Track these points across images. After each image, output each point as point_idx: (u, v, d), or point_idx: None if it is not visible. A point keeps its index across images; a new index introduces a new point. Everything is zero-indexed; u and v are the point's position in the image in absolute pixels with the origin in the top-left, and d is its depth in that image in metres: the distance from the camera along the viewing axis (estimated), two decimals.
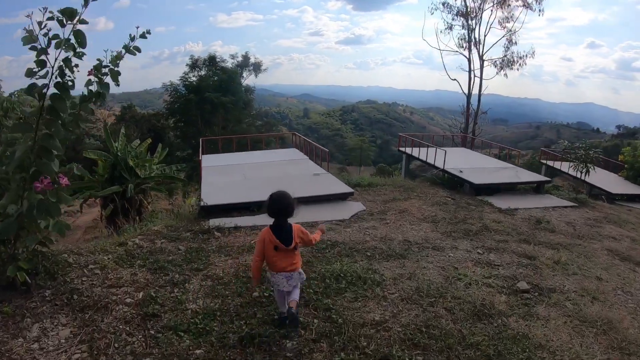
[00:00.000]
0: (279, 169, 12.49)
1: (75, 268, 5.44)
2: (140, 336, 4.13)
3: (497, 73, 28.26)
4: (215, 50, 47.95)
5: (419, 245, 7.28)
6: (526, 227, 8.93)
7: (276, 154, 16.28)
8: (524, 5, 26.97)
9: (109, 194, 21.80)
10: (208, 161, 14.36)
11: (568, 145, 15.45)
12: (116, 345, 3.95)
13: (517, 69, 27.94)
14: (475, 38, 27.45)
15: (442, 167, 13.70)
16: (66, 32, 4.04)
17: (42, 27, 3.94)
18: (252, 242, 6.93)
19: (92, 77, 4.48)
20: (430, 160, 15.01)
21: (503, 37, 27.88)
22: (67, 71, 4.15)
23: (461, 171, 13.28)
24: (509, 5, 27.31)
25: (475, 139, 25.25)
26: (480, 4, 27.13)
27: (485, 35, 27.78)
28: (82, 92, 4.54)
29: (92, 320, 4.29)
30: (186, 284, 5.24)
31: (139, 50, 4.83)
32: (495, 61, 27.81)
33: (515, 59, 27.56)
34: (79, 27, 4.11)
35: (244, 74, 47.91)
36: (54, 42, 4.01)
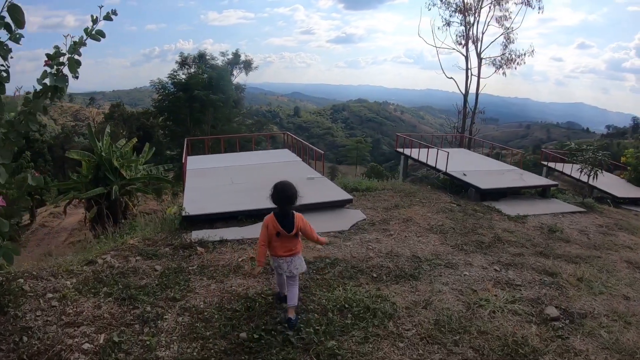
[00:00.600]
0: (269, 171, 11.55)
1: (30, 298, 4.59)
2: None
3: (495, 71, 27.54)
4: (206, 48, 47.14)
5: (430, 262, 6.44)
6: (540, 238, 8.35)
7: (267, 155, 15.36)
8: (523, 3, 26.30)
9: (93, 196, 21.05)
10: (193, 163, 13.44)
11: (575, 147, 14.72)
12: None
13: (515, 68, 27.36)
14: (473, 35, 26.73)
15: (444, 170, 12.88)
16: None
17: None
18: (240, 259, 6.12)
19: (47, 69, 3.69)
20: (431, 163, 14.17)
21: (501, 35, 27.13)
22: None
23: (465, 174, 12.49)
24: (507, 1, 26.66)
25: (472, 139, 24.47)
26: (479, 1, 26.44)
27: (483, 33, 27.05)
28: (35, 87, 3.73)
29: None
30: (159, 321, 4.32)
31: (102, 35, 3.93)
32: (494, 59, 27.09)
33: (514, 57, 26.93)
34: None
35: (235, 72, 46.87)
36: None
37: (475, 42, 26.72)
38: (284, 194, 4.44)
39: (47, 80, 3.65)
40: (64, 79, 3.74)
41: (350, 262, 6.18)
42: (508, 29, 27.01)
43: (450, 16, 27.04)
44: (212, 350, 3.85)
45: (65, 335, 3.94)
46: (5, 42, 3.26)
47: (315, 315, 4.53)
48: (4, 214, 3.51)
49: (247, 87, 50.86)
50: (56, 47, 3.68)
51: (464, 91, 27.10)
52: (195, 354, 3.79)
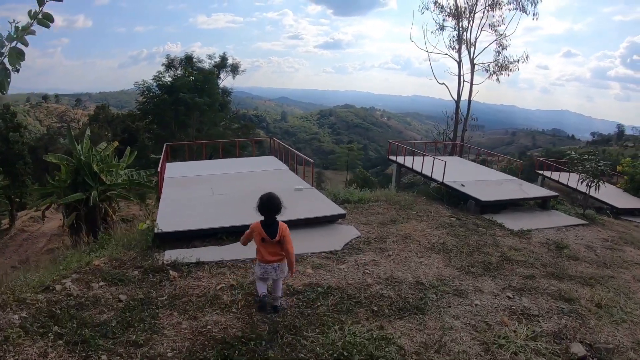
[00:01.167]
0: (254, 181, 10.69)
1: None
2: None
3: (488, 77, 26.71)
4: (194, 51, 45.90)
5: (436, 289, 5.71)
6: (548, 256, 7.82)
7: (252, 162, 14.47)
8: (517, 9, 25.71)
9: (72, 202, 20.11)
10: (172, 171, 12.57)
11: (576, 156, 14.06)
12: None
13: (508, 75, 26.77)
14: (467, 40, 26.02)
15: (441, 181, 12.13)
16: None
17: None
18: (218, 287, 5.36)
19: None
20: (427, 172, 13.41)
21: (494, 41, 26.41)
22: None
23: (463, 185, 11.78)
24: (501, 7, 26.07)
25: (463, 146, 23.79)
26: (473, 6, 25.80)
27: (476, 39, 26.31)
28: None
29: None
30: None
31: (50, 19, 3.09)
32: (488, 65, 26.43)
33: (508, 64, 26.29)
34: None
35: (222, 75, 45.83)
36: None
37: (468, 48, 26.08)
38: (270, 205, 4.79)
39: None
40: (4, 71, 2.95)
41: (345, 290, 5.40)
42: (501, 35, 26.45)
43: (444, 20, 26.44)
44: None
45: None
46: None
47: None
48: None
49: (234, 91, 49.73)
50: None
51: (455, 97, 26.44)
52: None
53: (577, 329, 4.92)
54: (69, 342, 3.90)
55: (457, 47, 26.31)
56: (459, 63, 26.28)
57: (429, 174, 13.05)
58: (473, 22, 26.14)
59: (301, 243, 6.96)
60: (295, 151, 13.43)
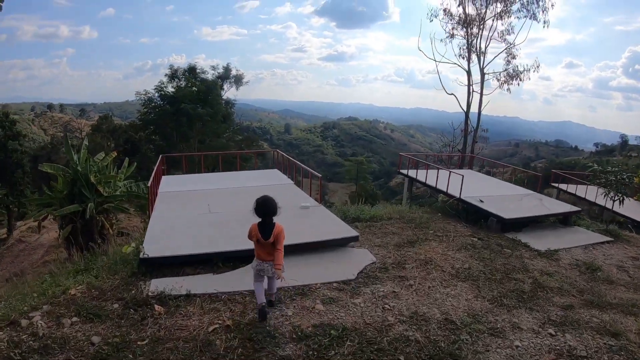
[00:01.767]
0: (256, 197, 9.29)
1: None
2: None
3: (499, 87, 25.83)
4: (197, 63, 44.95)
5: (469, 327, 4.88)
6: (581, 279, 7.19)
7: (254, 176, 13.49)
8: (527, 17, 24.88)
9: (68, 213, 19.36)
10: (167, 185, 11.67)
11: (599, 169, 13.17)
12: None
13: (518, 84, 25.89)
14: (477, 49, 25.21)
15: (458, 196, 11.22)
16: None
17: None
18: (210, 329, 4.52)
19: None
20: (442, 187, 12.44)
21: (504, 49, 25.49)
22: None
23: (482, 201, 10.88)
24: (510, 16, 25.26)
25: (474, 158, 22.79)
26: (483, 13, 24.96)
27: (486, 47, 25.38)
28: None
29: None
30: None
31: None
32: (499, 74, 25.55)
33: (519, 73, 25.39)
34: None
35: (225, 87, 45.08)
36: None
37: (478, 56, 25.22)
38: (265, 208, 4.99)
39: None
40: None
41: (364, 333, 4.52)
42: (511, 44, 25.59)
43: (453, 28, 25.58)
44: None
45: None
46: None
47: None
48: None
49: (238, 103, 48.98)
50: None
51: (465, 108, 25.53)
52: None
53: None
54: None
55: (466, 56, 25.47)
56: (468, 73, 25.41)
57: (444, 189, 12.10)
58: (482, 30, 25.36)
59: (309, 271, 6.11)
60: (301, 164, 12.41)
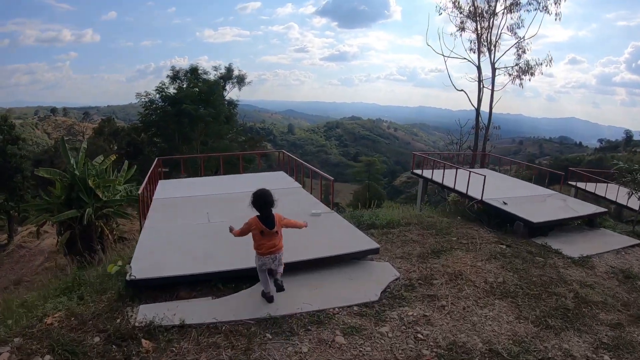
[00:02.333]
0: None
1: None
2: None
3: (511, 82, 24.86)
4: (200, 64, 43.98)
5: (517, 359, 4.09)
6: (622, 290, 6.56)
7: (258, 179, 12.18)
8: (538, 9, 23.92)
9: (66, 219, 18.67)
10: (163, 190, 10.80)
11: (625, 167, 12.31)
12: None
13: (529, 79, 24.95)
14: (488, 42, 24.25)
15: (480, 198, 10.38)
16: None
17: None
18: None
19: None
20: (461, 188, 11.54)
21: (515, 44, 24.37)
22: None
23: (505, 203, 10.05)
24: (520, 9, 24.28)
25: (490, 157, 21.82)
26: (493, 6, 23.96)
27: (496, 41, 24.43)
28: None
29: None
30: None
31: None
32: (512, 68, 24.45)
33: (531, 67, 24.41)
34: None
35: (227, 87, 44.35)
36: None
37: (490, 50, 24.26)
38: (264, 200, 4.96)
39: None
40: None
41: None
42: (521, 38, 24.63)
43: (462, 22, 24.61)
44: None
45: None
46: None
47: None
48: None
49: (241, 104, 48.12)
50: None
51: (475, 104, 24.58)
52: None
53: None
54: None
55: (476, 49, 24.50)
56: (479, 68, 24.43)
57: (464, 191, 11.22)
58: (493, 23, 24.40)
59: (324, 292, 5.28)
60: (310, 166, 11.33)
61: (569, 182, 18.90)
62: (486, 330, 4.65)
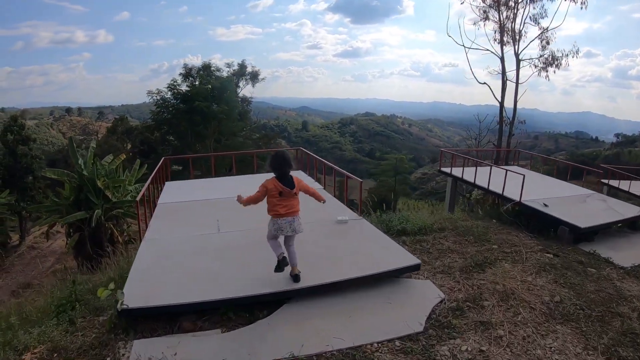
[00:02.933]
0: None
1: None
2: None
3: (537, 74, 23.67)
4: (213, 62, 43.02)
5: None
6: None
7: None
8: None
9: (75, 221, 18.12)
10: (169, 193, 9.84)
11: None
12: None
13: (554, 72, 23.73)
14: (513, 32, 23.01)
15: (518, 199, 9.45)
16: None
17: None
18: None
19: None
20: (495, 188, 10.60)
21: (540, 34, 23.01)
22: None
23: (546, 205, 9.13)
24: None
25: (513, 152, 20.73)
26: None
27: (520, 31, 23.07)
28: None
29: None
30: None
31: None
32: (538, 59, 23.06)
33: (557, 58, 23.11)
34: None
35: (241, 84, 43.61)
36: None
37: (514, 40, 23.05)
38: (284, 161, 4.77)
39: None
40: None
41: None
42: (545, 28, 23.42)
43: (485, 11, 23.43)
44: None
45: None
46: None
47: None
48: None
49: (255, 101, 47.44)
50: None
51: (499, 98, 23.39)
52: None
53: None
54: None
55: (499, 39, 23.32)
56: (502, 59, 23.18)
57: (500, 191, 10.26)
58: (517, 12, 23.20)
59: (357, 322, 4.43)
60: (334, 165, 9.99)
61: (602, 180, 17.88)
62: None
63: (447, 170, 13.95)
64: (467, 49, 24.28)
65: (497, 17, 23.32)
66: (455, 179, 13.50)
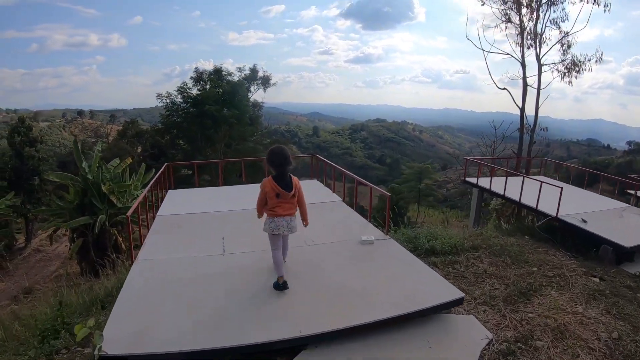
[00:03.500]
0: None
1: None
2: None
3: (561, 79, 22.48)
4: (224, 67, 42.08)
5: None
6: None
7: None
8: (586, 1, 21.77)
9: (79, 226, 17.57)
10: (171, 203, 8.88)
11: None
12: None
13: (576, 77, 22.78)
14: (535, 35, 22.22)
15: (555, 215, 8.63)
16: None
17: None
18: None
19: None
20: (528, 202, 9.81)
21: (562, 38, 22.27)
22: None
23: (584, 221, 8.33)
24: (564, 1, 22.18)
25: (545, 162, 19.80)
26: None
27: (541, 35, 22.31)
28: None
29: None
30: None
31: None
32: (561, 63, 22.00)
33: (579, 63, 22.08)
34: None
35: (252, 89, 43.00)
36: None
37: (537, 43, 22.16)
38: (283, 158, 4.61)
39: None
40: None
41: None
42: (566, 33, 22.50)
43: (507, 14, 22.57)
44: None
45: None
46: None
47: None
48: None
49: (266, 106, 46.75)
50: None
51: (520, 105, 22.47)
52: None
53: None
54: None
55: (520, 42, 22.45)
56: (523, 64, 22.28)
57: (534, 205, 9.43)
58: (538, 14, 22.32)
59: None
60: (354, 175, 8.57)
61: (628, 191, 16.97)
62: None
63: (473, 180, 12.99)
64: (485, 53, 23.54)
65: (518, 20, 22.52)
66: (482, 190, 12.54)
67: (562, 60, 22.69)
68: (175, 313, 4.27)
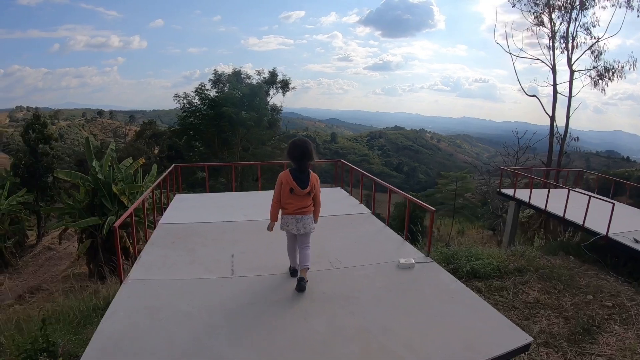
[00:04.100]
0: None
1: None
2: None
3: (594, 86, 21.73)
4: (244, 71, 41.29)
5: None
6: None
7: None
8: (618, 5, 20.66)
9: (88, 226, 17.01)
10: (176, 210, 8.07)
11: None
12: None
13: (607, 84, 21.52)
14: (568, 40, 20.92)
15: (604, 233, 7.74)
16: None
17: None
18: None
19: None
20: (574, 218, 8.85)
21: (594, 43, 21.12)
22: None
23: (637, 241, 7.45)
24: (595, 5, 21.12)
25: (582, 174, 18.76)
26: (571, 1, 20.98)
27: (573, 39, 21.42)
28: None
29: None
30: None
31: None
32: (595, 69, 21.17)
33: (612, 69, 21.17)
34: None
35: (271, 92, 42.49)
36: None
37: (569, 48, 21.12)
38: (304, 151, 4.36)
39: None
40: None
41: None
42: (598, 39, 21.42)
43: (537, 16, 21.59)
44: None
45: None
46: None
47: None
48: None
49: (285, 112, 46.13)
50: None
51: (550, 112, 21.46)
52: None
53: None
54: None
55: (551, 45, 21.46)
56: (553, 69, 21.31)
57: (581, 222, 8.50)
58: (570, 18, 21.33)
59: None
60: (392, 187, 7.50)
61: None
62: None
63: (510, 192, 11.97)
64: (514, 58, 22.61)
65: (549, 23, 21.55)
66: (520, 203, 11.46)
67: (595, 67, 21.68)
68: (165, 334, 3.52)
